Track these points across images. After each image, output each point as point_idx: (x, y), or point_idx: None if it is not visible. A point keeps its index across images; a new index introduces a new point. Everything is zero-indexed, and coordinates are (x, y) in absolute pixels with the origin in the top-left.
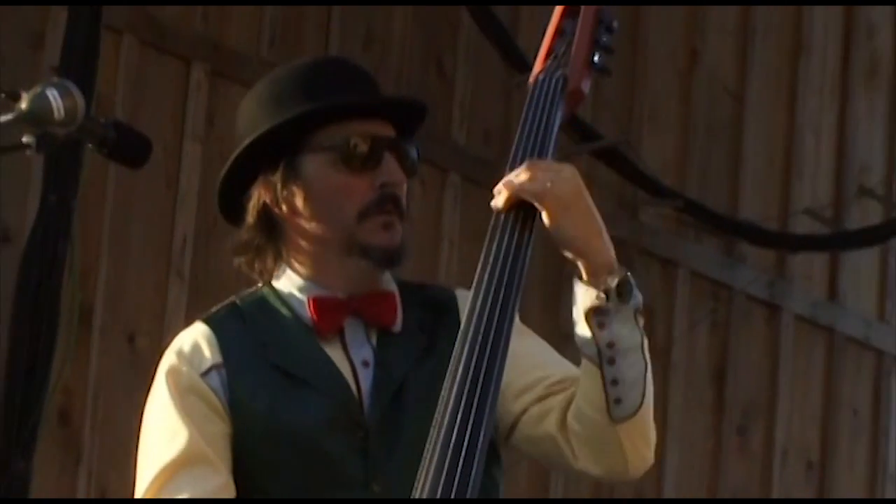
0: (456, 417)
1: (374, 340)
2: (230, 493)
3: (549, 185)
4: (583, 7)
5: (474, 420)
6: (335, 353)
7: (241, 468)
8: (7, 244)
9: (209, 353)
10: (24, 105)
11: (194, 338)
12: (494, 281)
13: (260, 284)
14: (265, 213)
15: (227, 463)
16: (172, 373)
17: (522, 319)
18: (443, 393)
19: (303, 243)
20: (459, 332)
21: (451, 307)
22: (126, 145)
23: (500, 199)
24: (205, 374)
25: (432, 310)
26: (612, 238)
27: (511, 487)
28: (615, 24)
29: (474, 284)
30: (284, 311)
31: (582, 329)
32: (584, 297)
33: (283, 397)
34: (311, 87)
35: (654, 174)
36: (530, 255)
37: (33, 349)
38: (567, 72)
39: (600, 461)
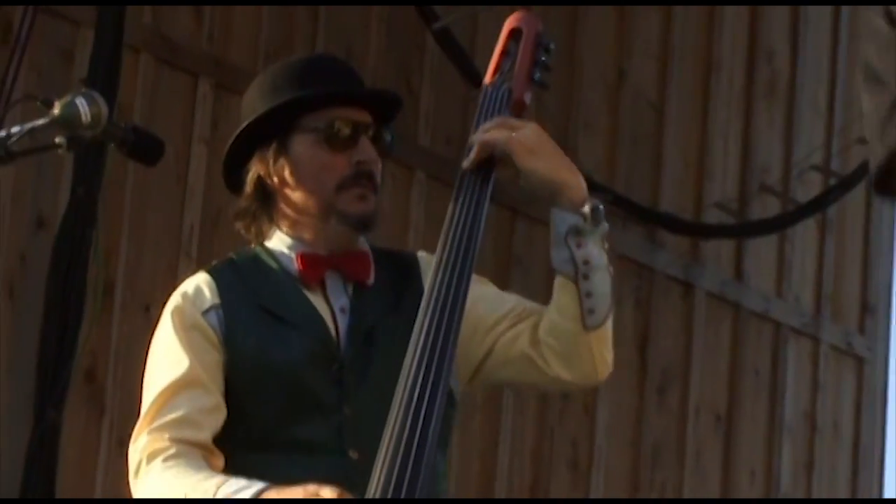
0: (423, 359)
1: (350, 291)
2: (221, 412)
3: (513, 133)
4: (524, 31)
5: (437, 364)
6: (317, 300)
7: (232, 392)
8: (42, 230)
9: (209, 295)
10: (56, 111)
11: (197, 283)
12: (458, 234)
13: (253, 245)
14: (260, 184)
15: (219, 387)
16: (178, 311)
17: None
18: (413, 336)
19: (290, 209)
20: (428, 282)
21: (414, 267)
22: (142, 146)
23: (470, 156)
24: (205, 312)
25: (399, 269)
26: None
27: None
28: (552, 45)
29: (441, 238)
30: (274, 264)
31: (560, 251)
32: (563, 221)
33: (270, 334)
34: (301, 77)
35: (587, 173)
36: (487, 211)
37: (64, 318)
38: (512, 85)
39: (573, 367)
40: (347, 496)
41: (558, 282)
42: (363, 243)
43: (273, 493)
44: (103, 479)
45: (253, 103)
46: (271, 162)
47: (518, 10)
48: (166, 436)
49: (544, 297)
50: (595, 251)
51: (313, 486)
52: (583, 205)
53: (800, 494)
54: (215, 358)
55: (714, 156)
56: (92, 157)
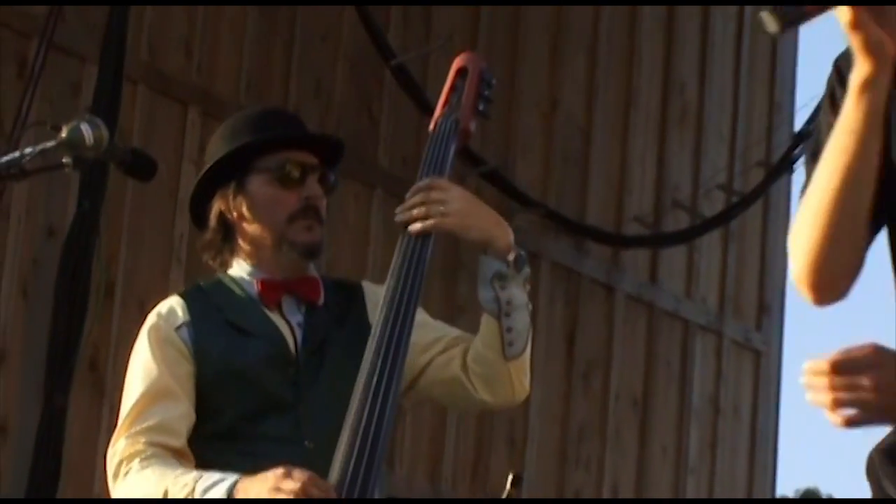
0: (376, 372)
1: (303, 311)
2: (190, 418)
3: (444, 211)
4: (470, 69)
5: (391, 373)
6: (275, 317)
7: (203, 394)
8: (51, 238)
9: (181, 314)
10: (63, 135)
11: (170, 304)
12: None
13: (218, 273)
14: (221, 219)
15: (189, 396)
16: (153, 328)
17: (426, 299)
18: (365, 356)
19: (249, 240)
20: (378, 317)
21: (359, 293)
22: (139, 165)
23: (414, 227)
24: (177, 328)
25: (345, 294)
26: None
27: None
28: (494, 81)
29: (391, 273)
30: (237, 289)
31: (486, 291)
32: (490, 267)
33: (233, 344)
34: (256, 125)
35: (524, 190)
36: (428, 265)
37: (70, 315)
38: (459, 116)
39: (495, 392)
40: (315, 478)
41: (484, 318)
42: (313, 270)
43: (245, 483)
44: (103, 454)
45: (214, 148)
46: (231, 199)
47: (465, 52)
48: (142, 440)
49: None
50: (517, 292)
51: (281, 470)
52: (508, 253)
53: (705, 469)
54: (187, 369)
55: (633, 175)
56: (95, 175)
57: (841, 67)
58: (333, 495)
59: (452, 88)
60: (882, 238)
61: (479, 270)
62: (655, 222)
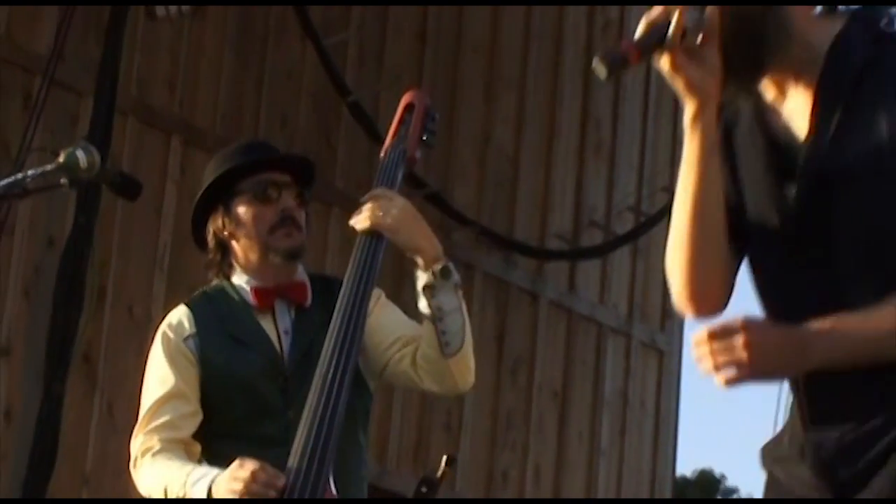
0: (329, 368)
1: (292, 314)
2: (197, 416)
3: (382, 215)
4: (416, 105)
5: (341, 369)
6: (267, 324)
7: (206, 397)
8: (51, 248)
9: (188, 326)
10: (61, 159)
11: (179, 316)
12: (356, 278)
13: (222, 281)
14: (217, 239)
15: (196, 397)
16: (165, 338)
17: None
18: (322, 353)
19: (241, 253)
20: (334, 317)
21: (338, 293)
22: (126, 186)
23: (358, 224)
24: (185, 339)
25: (329, 292)
26: None
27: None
28: (437, 115)
29: (345, 280)
30: (236, 296)
31: (421, 301)
32: (421, 279)
33: (233, 355)
34: (235, 155)
35: (461, 210)
36: (381, 258)
37: (67, 315)
38: (406, 145)
39: (441, 383)
40: (264, 466)
41: (424, 323)
42: (302, 273)
43: (218, 479)
44: (95, 436)
45: (204, 179)
46: (221, 220)
47: (411, 90)
48: (156, 437)
49: None
50: (446, 299)
51: (237, 462)
52: (434, 265)
53: (615, 452)
54: (193, 374)
55: (554, 198)
56: (90, 194)
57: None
58: (280, 482)
59: (401, 121)
60: None
61: (416, 284)
62: (574, 239)
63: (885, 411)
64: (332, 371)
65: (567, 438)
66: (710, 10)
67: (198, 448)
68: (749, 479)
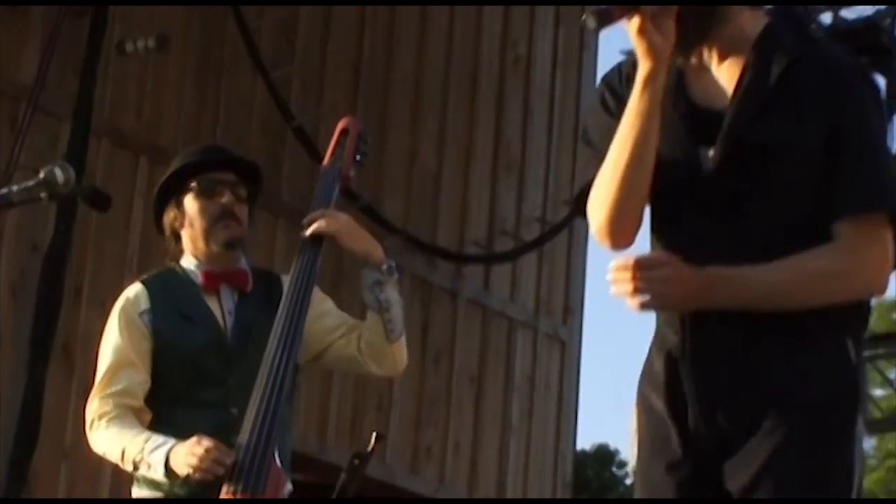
0: (276, 356)
1: (235, 298)
2: (147, 384)
3: (333, 224)
4: (350, 130)
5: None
6: (213, 304)
7: (157, 367)
8: (35, 252)
9: (143, 303)
10: (42, 176)
11: (136, 291)
12: (298, 278)
13: (174, 264)
14: (171, 227)
15: (147, 367)
16: (122, 312)
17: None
18: (269, 341)
19: (190, 242)
20: (280, 307)
21: (278, 284)
22: (98, 200)
23: (308, 231)
24: (140, 314)
25: (268, 283)
26: None
27: (308, 392)
28: (368, 139)
29: (290, 278)
30: (186, 278)
31: (368, 295)
32: (369, 276)
33: (181, 330)
34: (187, 157)
35: (390, 220)
36: (320, 265)
37: (49, 310)
38: (342, 165)
39: (382, 365)
40: (218, 445)
41: (369, 314)
42: (244, 264)
43: (176, 448)
44: (73, 416)
45: (162, 177)
46: (173, 212)
47: (346, 116)
48: (111, 402)
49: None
50: (391, 293)
51: (195, 438)
52: (381, 265)
53: (524, 430)
54: (146, 346)
55: (471, 210)
56: (68, 206)
57: (611, 83)
58: (230, 459)
59: (337, 144)
60: None
61: (362, 280)
62: (488, 245)
63: (751, 360)
64: (278, 357)
65: (482, 418)
66: None
67: (148, 416)
68: None
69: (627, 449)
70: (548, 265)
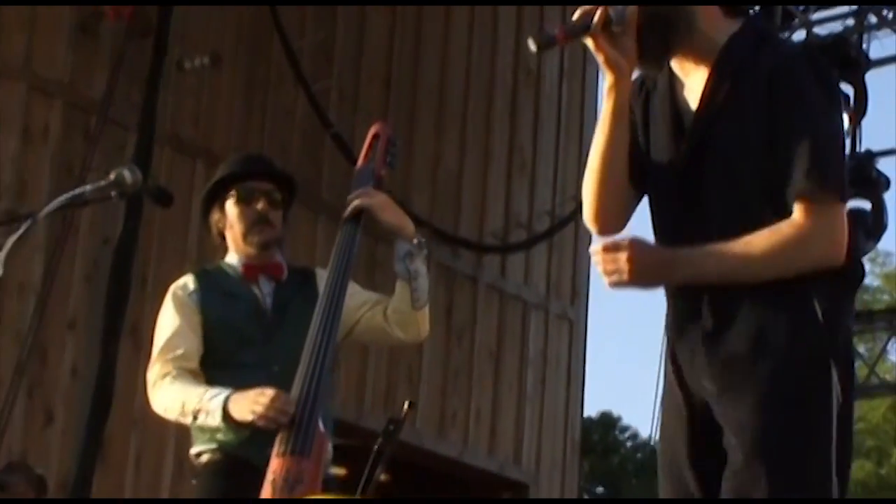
0: (320, 333)
1: (272, 284)
2: (200, 351)
3: (372, 199)
4: (381, 135)
5: (329, 332)
6: (254, 289)
7: (207, 337)
8: (106, 245)
9: (192, 286)
10: (112, 177)
11: (185, 280)
12: (342, 255)
13: (219, 260)
14: (217, 228)
15: (199, 337)
16: (175, 295)
17: (354, 278)
18: (315, 312)
19: (232, 241)
20: (325, 284)
21: (312, 276)
22: (162, 198)
23: (348, 210)
24: (189, 295)
25: (302, 276)
26: None
27: (348, 362)
28: (398, 143)
29: (332, 255)
30: (230, 269)
31: (399, 265)
32: (402, 248)
33: (225, 304)
34: (233, 165)
35: (417, 214)
36: (358, 242)
37: (119, 295)
38: (374, 166)
39: (407, 332)
40: (281, 392)
41: (398, 283)
42: (280, 258)
43: (235, 395)
44: (141, 391)
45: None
46: (217, 215)
47: (378, 122)
48: (171, 364)
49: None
50: (419, 266)
51: (259, 389)
52: (413, 239)
53: (538, 399)
54: (196, 319)
55: (489, 205)
56: (135, 204)
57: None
58: (292, 406)
59: (371, 147)
60: None
61: (395, 251)
62: (504, 236)
63: (725, 326)
64: (322, 332)
65: (500, 388)
66: (631, 9)
67: (202, 379)
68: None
69: (627, 415)
70: (557, 253)
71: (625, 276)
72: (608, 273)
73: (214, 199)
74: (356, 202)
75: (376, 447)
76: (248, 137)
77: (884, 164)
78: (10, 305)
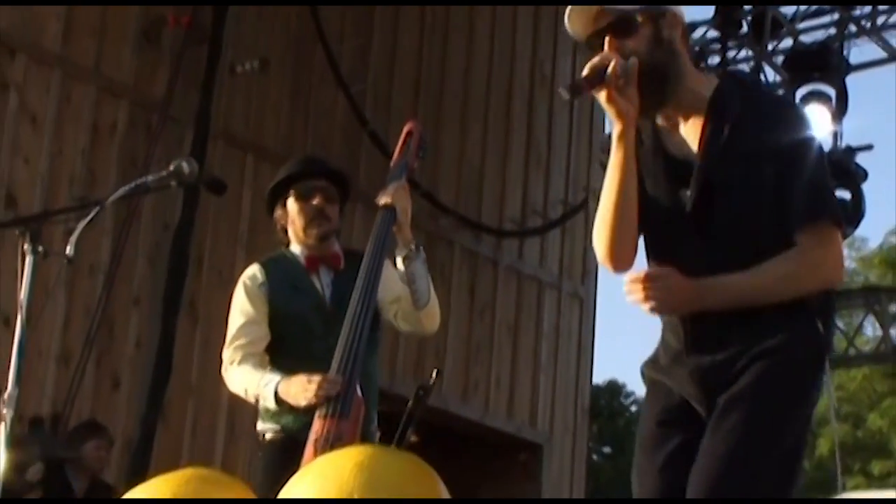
0: (357, 308)
1: (331, 275)
2: (268, 337)
3: (401, 201)
4: (414, 132)
5: (366, 306)
6: (315, 280)
7: (273, 327)
8: (166, 230)
9: (261, 277)
10: (172, 168)
11: (255, 271)
12: (376, 243)
13: (283, 248)
14: (280, 222)
15: (266, 325)
16: (245, 285)
17: None
18: (353, 294)
19: (294, 234)
20: (362, 265)
21: (361, 259)
22: (216, 186)
23: (382, 200)
24: (259, 286)
25: (356, 260)
26: (428, 231)
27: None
28: (427, 139)
29: (368, 245)
30: (294, 260)
31: (401, 268)
32: (400, 251)
33: (291, 297)
34: (293, 166)
35: (444, 203)
36: (391, 230)
37: (177, 276)
38: (408, 160)
39: (413, 327)
40: (327, 377)
41: (402, 285)
42: (337, 248)
43: (284, 381)
44: (197, 360)
45: (272, 182)
46: (280, 211)
47: (410, 121)
48: (239, 352)
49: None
50: (418, 267)
51: (307, 376)
52: (410, 243)
53: (551, 369)
54: (264, 310)
55: (509, 195)
56: (192, 193)
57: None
58: (337, 384)
59: (404, 143)
60: None
61: (395, 257)
62: (522, 222)
63: (743, 341)
64: (360, 307)
65: (518, 359)
66: (633, 61)
67: (267, 360)
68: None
69: (631, 383)
70: (569, 238)
71: (670, 303)
72: (648, 300)
73: (277, 197)
74: (388, 197)
75: (407, 410)
76: (293, 134)
77: (861, 158)
78: (81, 284)
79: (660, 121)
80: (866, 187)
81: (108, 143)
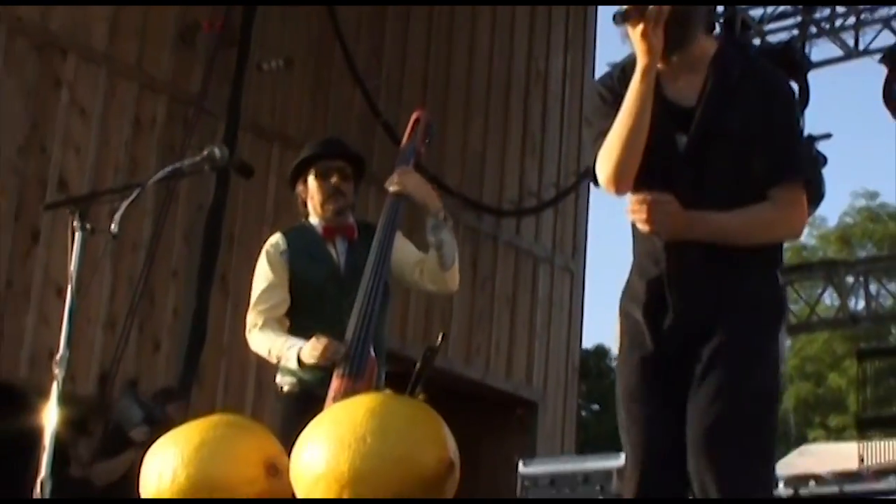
0: (370, 280)
1: (346, 245)
2: (287, 302)
3: (407, 184)
4: (422, 119)
5: (378, 277)
6: (331, 249)
7: (293, 292)
8: (200, 210)
9: (283, 245)
10: (205, 153)
11: (277, 240)
12: (386, 225)
13: (304, 220)
14: (301, 197)
15: (287, 290)
16: (267, 253)
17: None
18: (366, 268)
19: (313, 208)
20: (374, 241)
21: (374, 231)
22: (245, 170)
23: (393, 188)
24: (280, 254)
25: (368, 232)
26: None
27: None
28: (435, 126)
29: (378, 227)
30: (312, 230)
31: (429, 236)
32: (429, 221)
33: (309, 265)
34: (314, 147)
35: (449, 186)
36: (402, 209)
37: (210, 252)
38: (415, 145)
39: (438, 286)
40: (332, 341)
41: (430, 250)
42: (352, 220)
43: (305, 346)
44: (228, 328)
45: (294, 161)
46: (301, 187)
47: (418, 109)
48: (262, 315)
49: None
50: (445, 234)
51: (314, 339)
52: (438, 214)
53: (545, 335)
54: (285, 277)
55: (507, 179)
56: (224, 176)
57: (605, 83)
58: (342, 347)
59: (412, 130)
60: None
61: (426, 225)
62: (519, 203)
63: (719, 280)
64: (373, 279)
65: (516, 326)
66: (665, 7)
67: (287, 324)
68: None
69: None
70: (561, 217)
71: (667, 227)
72: (650, 221)
73: (299, 175)
74: (395, 186)
75: (416, 369)
76: (313, 125)
77: (822, 146)
78: (124, 258)
79: (661, 67)
80: (825, 172)
81: (149, 134)
